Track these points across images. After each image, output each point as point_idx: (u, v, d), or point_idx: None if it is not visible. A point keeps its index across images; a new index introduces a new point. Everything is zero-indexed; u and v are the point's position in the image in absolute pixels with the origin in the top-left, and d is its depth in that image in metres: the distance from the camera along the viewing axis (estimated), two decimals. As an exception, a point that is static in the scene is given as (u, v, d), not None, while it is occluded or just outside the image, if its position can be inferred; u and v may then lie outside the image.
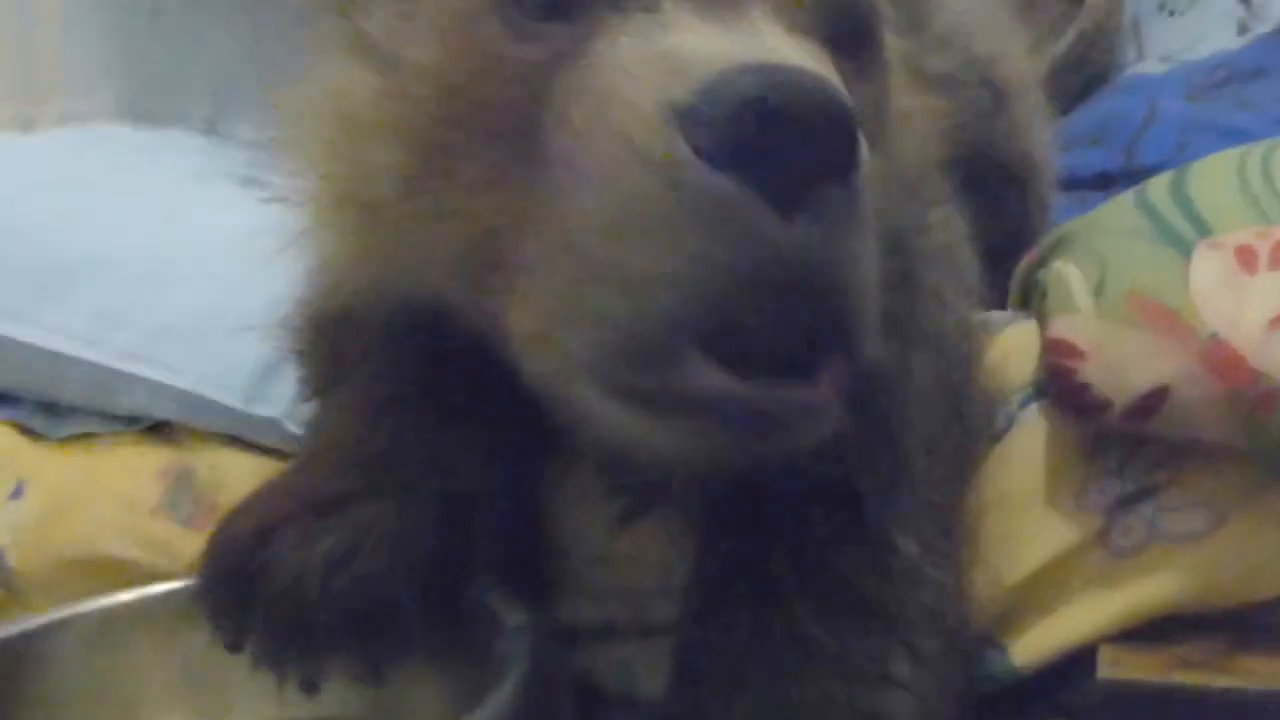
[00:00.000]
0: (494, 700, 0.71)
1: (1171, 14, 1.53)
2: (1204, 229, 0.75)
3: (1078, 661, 0.79)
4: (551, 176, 0.65)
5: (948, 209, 0.95)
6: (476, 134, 0.69)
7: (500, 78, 0.68)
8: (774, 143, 0.57)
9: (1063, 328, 0.78)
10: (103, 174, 1.43)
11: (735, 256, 0.57)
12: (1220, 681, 0.72)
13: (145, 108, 2.22)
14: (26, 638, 0.82)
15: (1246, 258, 0.74)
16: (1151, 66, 1.54)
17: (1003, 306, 0.97)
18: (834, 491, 0.75)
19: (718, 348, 0.59)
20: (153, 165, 1.57)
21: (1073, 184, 1.40)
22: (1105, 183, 1.48)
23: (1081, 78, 1.57)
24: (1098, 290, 0.77)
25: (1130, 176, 1.39)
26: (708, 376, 0.59)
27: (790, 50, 0.63)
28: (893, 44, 0.79)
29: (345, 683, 0.79)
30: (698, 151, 0.58)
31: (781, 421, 0.61)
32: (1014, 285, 1.00)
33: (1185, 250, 0.75)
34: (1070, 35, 1.55)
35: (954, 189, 0.95)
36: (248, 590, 0.75)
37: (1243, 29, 1.44)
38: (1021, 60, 1.25)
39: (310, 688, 0.78)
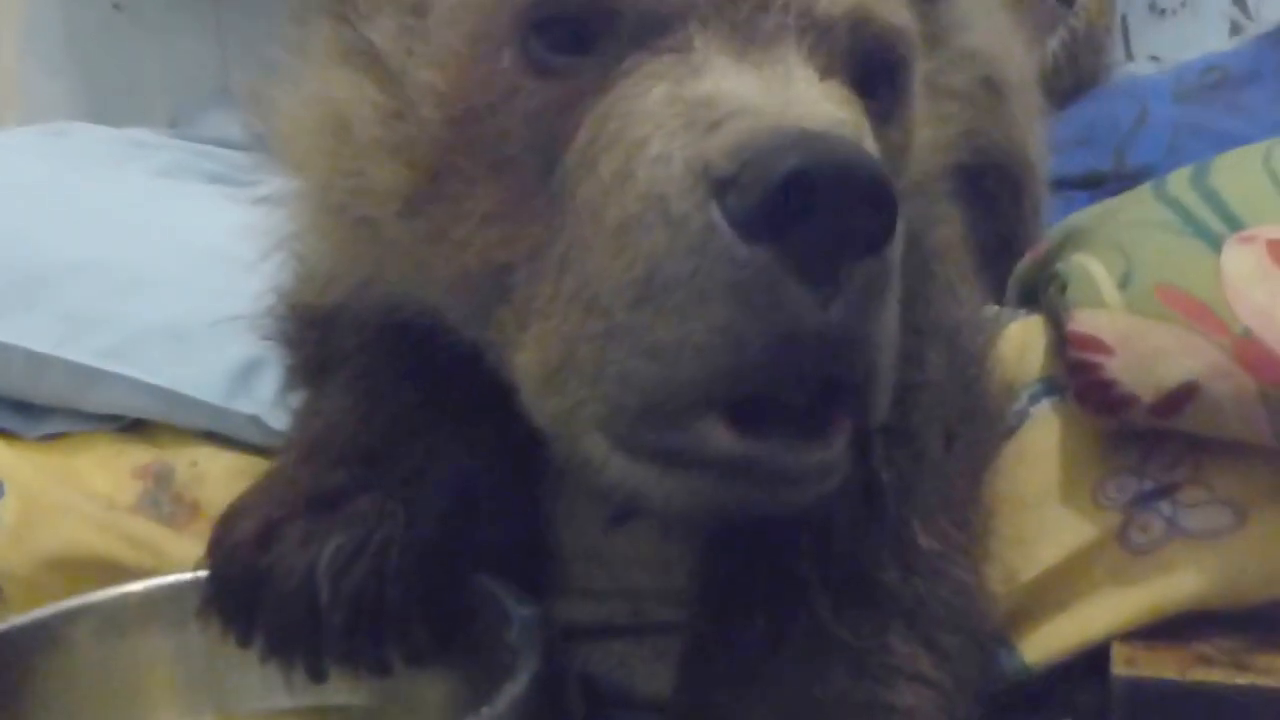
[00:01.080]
0: (509, 690, 0.70)
1: (1162, 14, 1.53)
2: (1234, 223, 0.74)
3: (1090, 661, 0.79)
4: (570, 221, 0.63)
5: (945, 206, 0.94)
6: (487, 164, 0.67)
7: (517, 112, 0.66)
8: (812, 218, 0.56)
9: (1087, 322, 0.76)
10: (73, 175, 1.40)
11: (766, 332, 0.56)
12: (1241, 679, 0.72)
13: (105, 105, 2.21)
14: (42, 625, 0.83)
15: (1279, 252, 0.73)
16: (1141, 67, 1.54)
17: (996, 305, 0.96)
18: (854, 486, 0.73)
19: (732, 408, 0.59)
20: (121, 162, 1.55)
21: (1059, 184, 1.40)
22: (1093, 182, 1.49)
23: (1071, 78, 1.57)
24: (1123, 283, 0.76)
25: (1121, 178, 1.39)
26: (721, 438, 0.59)
27: (824, 101, 0.62)
28: (919, 69, 0.78)
29: (351, 672, 0.79)
30: (732, 220, 0.56)
31: (792, 480, 0.61)
32: (1015, 283, 0.99)
33: (1214, 243, 0.74)
34: (1060, 35, 1.55)
35: (950, 187, 0.94)
36: (257, 591, 0.75)
37: (1235, 30, 1.44)
38: (1020, 59, 1.24)
39: (318, 677, 0.78)
